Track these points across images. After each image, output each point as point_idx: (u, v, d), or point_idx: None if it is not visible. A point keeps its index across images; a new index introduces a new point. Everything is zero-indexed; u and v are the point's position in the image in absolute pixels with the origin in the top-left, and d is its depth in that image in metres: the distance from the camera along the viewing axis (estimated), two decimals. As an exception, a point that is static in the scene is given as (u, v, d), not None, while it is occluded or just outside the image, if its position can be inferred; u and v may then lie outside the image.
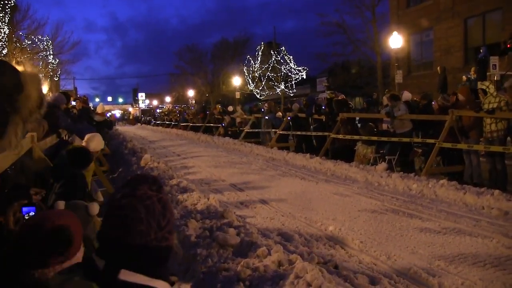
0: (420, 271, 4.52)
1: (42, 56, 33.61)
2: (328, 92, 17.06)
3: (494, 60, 18.50)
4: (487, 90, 9.24)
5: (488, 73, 18.34)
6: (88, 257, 1.39)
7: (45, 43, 33.42)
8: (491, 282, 4.27)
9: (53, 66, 35.07)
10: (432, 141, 10.04)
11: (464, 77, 19.12)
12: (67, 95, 10.44)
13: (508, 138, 9.17)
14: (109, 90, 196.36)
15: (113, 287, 1.26)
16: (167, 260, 1.37)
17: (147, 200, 1.31)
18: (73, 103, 14.20)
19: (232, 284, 3.48)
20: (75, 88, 52.63)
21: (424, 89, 19.17)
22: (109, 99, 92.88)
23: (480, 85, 9.82)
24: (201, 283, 3.86)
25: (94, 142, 5.60)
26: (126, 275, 1.25)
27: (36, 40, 31.95)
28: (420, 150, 10.91)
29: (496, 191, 7.41)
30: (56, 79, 36.89)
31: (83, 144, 5.50)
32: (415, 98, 14.71)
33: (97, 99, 77.40)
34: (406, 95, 12.25)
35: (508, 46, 20.53)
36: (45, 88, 17.38)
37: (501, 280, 4.29)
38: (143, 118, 65.35)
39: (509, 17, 22.08)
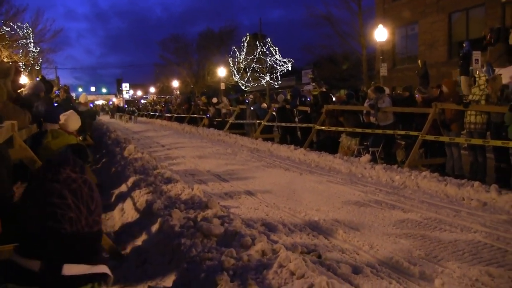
0: (401, 260, 4.60)
1: (22, 44, 32.95)
2: (313, 84, 17.10)
3: (476, 54, 18.75)
4: (478, 80, 9.33)
5: (470, 68, 18.59)
6: (7, 261, 1.19)
7: (25, 31, 32.76)
8: (468, 269, 4.37)
9: (33, 55, 34.44)
10: (415, 133, 10.15)
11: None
12: (50, 84, 10.29)
13: (488, 132, 9.30)
14: (92, 80, 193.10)
15: (59, 286, 1.16)
16: (100, 244, 1.29)
17: (73, 184, 1.20)
18: (57, 92, 14.02)
19: (216, 273, 3.49)
20: (57, 78, 51.76)
21: (409, 82, 19.37)
22: (93, 89, 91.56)
23: (475, 74, 9.94)
24: (185, 272, 3.86)
25: (71, 120, 5.52)
26: (70, 269, 1.17)
27: (15, 27, 31.28)
28: (403, 143, 11.03)
29: (476, 183, 7.55)
30: (37, 68, 36.25)
31: (60, 125, 5.41)
32: (399, 91, 14.87)
33: (80, 89, 76.37)
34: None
35: (487, 41, 20.89)
36: (24, 79, 17.04)
37: (478, 267, 4.40)
38: (127, 109, 64.05)
39: (491, 12, 22.37)
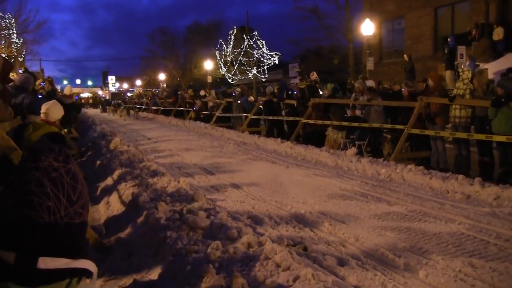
0: (387, 252, 4.64)
1: (4, 34, 32.45)
2: (299, 77, 17.11)
3: (461, 49, 18.95)
4: (461, 75, 9.43)
5: (456, 62, 18.77)
6: None
7: (7, 21, 32.25)
8: (452, 261, 4.43)
9: (17, 46, 33.93)
10: (401, 127, 10.22)
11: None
12: (33, 75, 10.14)
13: (472, 126, 9.42)
14: (78, 72, 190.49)
15: (33, 280, 1.12)
16: (83, 238, 1.24)
17: (54, 172, 1.17)
18: (42, 84, 13.83)
19: (201, 265, 3.49)
20: (42, 70, 50.99)
21: (395, 76, 19.50)
22: (78, 81, 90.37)
23: (459, 69, 10.05)
24: (171, 265, 3.85)
25: (54, 110, 5.45)
26: (46, 263, 1.12)
27: (-4, 17, 30.85)
28: (389, 136, 11.11)
29: (460, 176, 7.63)
30: (20, 60, 35.72)
31: (42, 115, 5.35)
32: (385, 85, 14.96)
33: (65, 82, 75.30)
34: (370, 84, 12.56)
35: (473, 36, 21.14)
36: None
37: (461, 259, 4.46)
38: (113, 102, 62.17)
39: (476, 7, 22.58)
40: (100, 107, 49.43)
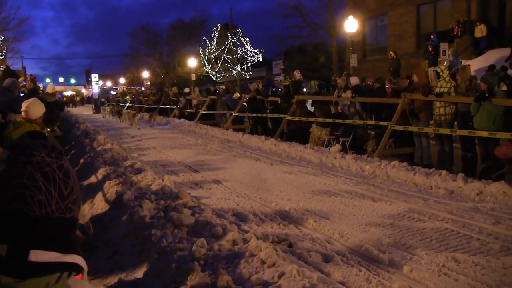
0: (371, 248, 4.66)
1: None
2: (284, 74, 17.15)
3: (444, 46, 19.16)
4: (441, 74, 9.53)
5: (439, 59, 18.97)
6: None
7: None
8: (435, 256, 4.47)
9: (-3, 44, 33.42)
10: (385, 123, 10.29)
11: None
12: (15, 74, 10.01)
13: (455, 122, 9.53)
14: (60, 70, 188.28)
15: (24, 273, 1.12)
16: (73, 233, 1.25)
17: (46, 167, 1.18)
18: (24, 82, 13.64)
19: (187, 263, 3.47)
20: (24, 68, 50.11)
21: (378, 73, 19.63)
22: (61, 80, 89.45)
23: (437, 68, 10.14)
24: (156, 263, 3.82)
25: (34, 107, 5.38)
26: (37, 256, 1.13)
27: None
28: (373, 133, 11.17)
29: (444, 172, 7.71)
30: (1, 58, 35.11)
31: (22, 114, 5.27)
32: (368, 82, 15.05)
33: (47, 80, 74.22)
34: (355, 80, 12.64)
35: (455, 34, 21.40)
36: None
37: (445, 254, 4.50)
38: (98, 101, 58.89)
39: (457, 5, 22.87)
40: (93, 107, 41.04)
